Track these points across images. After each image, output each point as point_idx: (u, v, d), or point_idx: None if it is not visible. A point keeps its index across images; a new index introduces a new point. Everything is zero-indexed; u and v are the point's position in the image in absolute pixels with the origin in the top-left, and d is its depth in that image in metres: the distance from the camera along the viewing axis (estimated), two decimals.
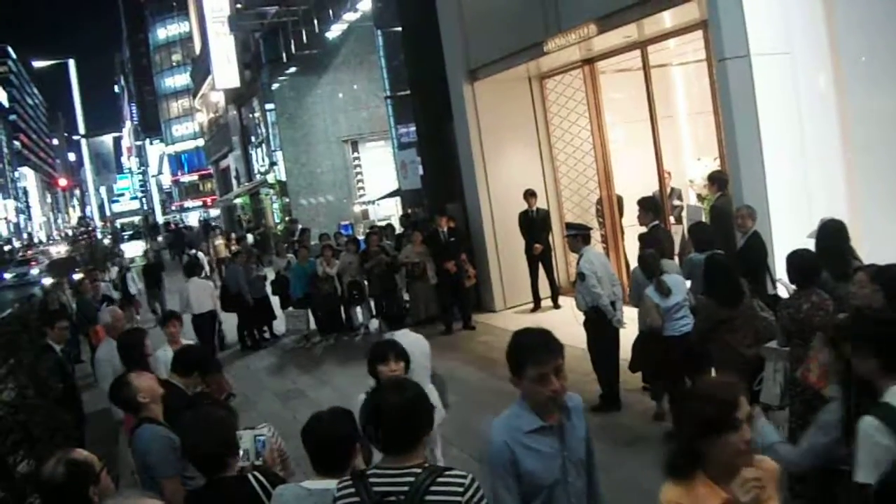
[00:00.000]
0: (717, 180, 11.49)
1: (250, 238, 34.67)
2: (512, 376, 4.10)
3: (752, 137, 9.87)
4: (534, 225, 15.92)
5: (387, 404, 3.71)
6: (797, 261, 6.99)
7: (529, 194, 15.83)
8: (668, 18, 12.37)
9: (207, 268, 28.71)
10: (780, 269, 8.18)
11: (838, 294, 6.68)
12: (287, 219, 37.52)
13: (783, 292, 7.84)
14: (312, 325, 17.55)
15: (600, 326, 10.02)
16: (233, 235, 35.81)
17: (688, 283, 9.29)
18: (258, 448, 4.89)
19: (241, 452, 4.75)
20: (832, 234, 7.70)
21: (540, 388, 3.98)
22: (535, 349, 3.99)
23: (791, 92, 10.07)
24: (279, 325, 18.35)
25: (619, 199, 15.21)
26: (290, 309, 17.56)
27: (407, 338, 7.63)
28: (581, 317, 10.30)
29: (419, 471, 3.65)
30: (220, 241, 32.38)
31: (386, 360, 6.09)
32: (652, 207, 11.31)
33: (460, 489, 3.63)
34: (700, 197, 14.43)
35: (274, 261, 19.71)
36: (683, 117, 16.06)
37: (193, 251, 31.42)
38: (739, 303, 7.78)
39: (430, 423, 3.85)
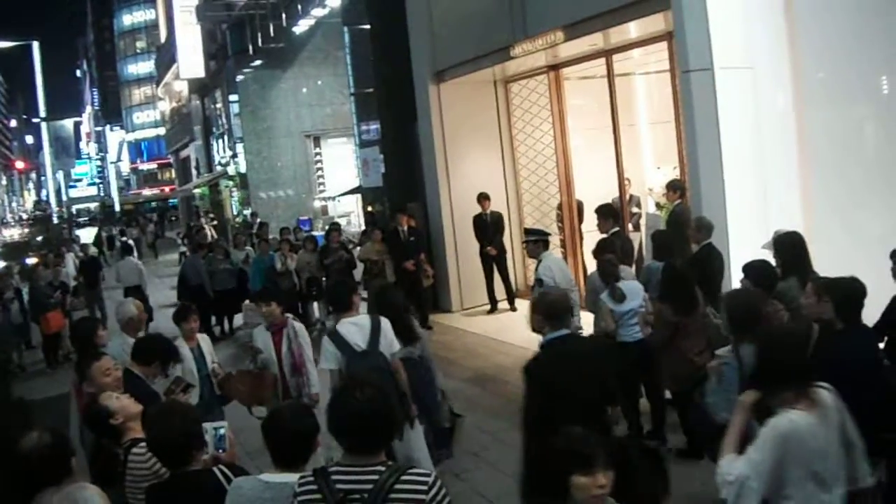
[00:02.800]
0: (677, 188, 11.64)
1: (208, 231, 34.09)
2: None
3: (712, 148, 10.00)
4: (486, 228, 15.98)
5: (352, 405, 3.66)
6: (753, 271, 7.10)
7: (483, 197, 15.89)
8: (634, 29, 12.48)
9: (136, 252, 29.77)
10: (734, 280, 8.30)
11: (797, 304, 6.79)
12: (246, 212, 37.34)
13: None
14: None
15: None
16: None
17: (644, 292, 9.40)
18: (217, 440, 4.75)
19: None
20: (795, 245, 7.83)
21: None
22: None
23: (752, 106, 10.22)
24: (236, 319, 18.22)
25: (580, 205, 15.31)
26: (248, 302, 17.48)
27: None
28: None
29: (383, 469, 3.62)
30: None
31: (591, 468, 3.75)
32: (611, 214, 11.39)
33: (424, 487, 3.61)
34: (658, 205, 14.57)
35: (232, 252, 19.59)
36: (644, 126, 16.19)
37: (125, 238, 35.24)
38: (694, 310, 7.90)
39: (396, 423, 3.81)
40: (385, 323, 7.08)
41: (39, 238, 45.26)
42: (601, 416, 6.00)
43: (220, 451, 4.73)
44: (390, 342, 7.02)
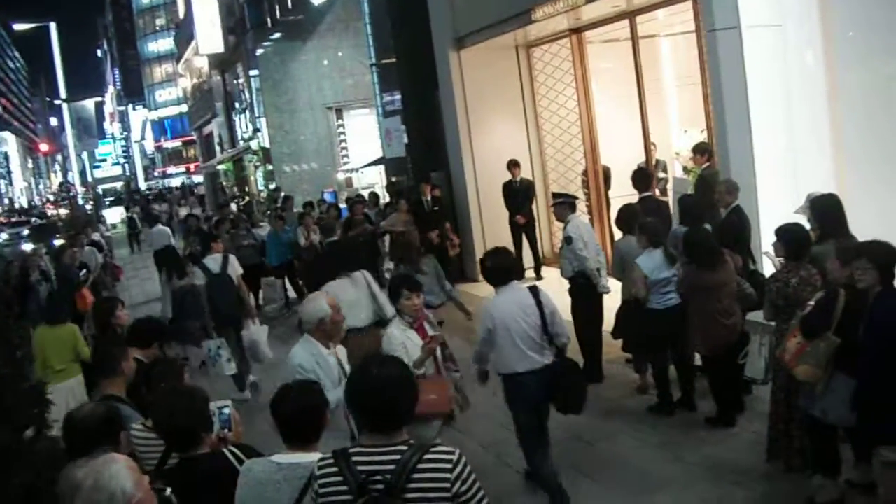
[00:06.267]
0: (704, 151, 11.45)
1: (234, 207, 33.95)
2: None
3: (740, 109, 9.81)
4: (517, 195, 15.81)
5: (372, 381, 3.62)
6: (787, 235, 6.92)
7: (513, 164, 15.71)
8: None
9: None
10: (765, 243, 8.15)
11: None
12: (271, 186, 37.36)
13: (769, 266, 7.80)
14: (292, 294, 17.47)
15: (585, 292, 10.03)
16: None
17: None
18: (222, 421, 4.76)
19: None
20: (832, 209, 7.62)
21: None
22: None
23: (781, 64, 10.00)
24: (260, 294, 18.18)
25: (606, 170, 15.13)
26: (270, 279, 17.46)
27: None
28: (566, 285, 10.26)
29: (405, 448, 3.56)
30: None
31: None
32: (643, 179, 11.27)
33: (448, 465, 3.55)
34: (685, 169, 14.35)
35: (260, 228, 19.55)
36: (670, 89, 15.93)
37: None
38: (719, 265, 7.77)
39: (416, 400, 3.72)
40: (232, 258, 12.00)
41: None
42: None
43: (227, 430, 4.74)
44: (236, 269, 11.78)
